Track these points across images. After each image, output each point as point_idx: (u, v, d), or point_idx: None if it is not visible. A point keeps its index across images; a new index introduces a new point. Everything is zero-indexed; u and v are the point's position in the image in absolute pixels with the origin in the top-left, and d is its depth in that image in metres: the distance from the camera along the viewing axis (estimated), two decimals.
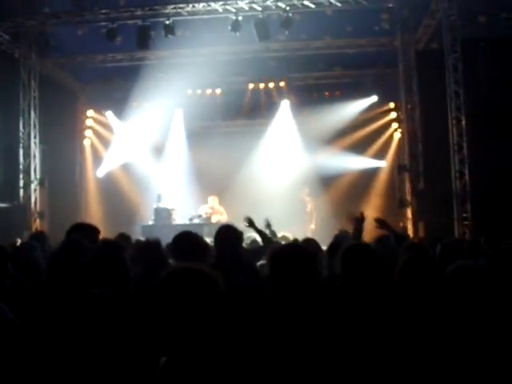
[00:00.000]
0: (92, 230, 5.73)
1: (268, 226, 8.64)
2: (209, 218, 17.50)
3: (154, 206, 17.76)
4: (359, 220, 7.58)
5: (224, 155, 18.51)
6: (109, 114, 20.19)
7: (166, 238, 10.17)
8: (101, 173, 20.14)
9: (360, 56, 17.31)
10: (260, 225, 7.90)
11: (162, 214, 17.52)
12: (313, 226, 17.79)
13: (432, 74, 16.46)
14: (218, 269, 2.53)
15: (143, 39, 15.34)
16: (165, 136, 19.92)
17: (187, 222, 17.45)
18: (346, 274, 4.01)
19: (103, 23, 15.19)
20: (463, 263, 3.93)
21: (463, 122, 15.38)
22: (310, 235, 10.42)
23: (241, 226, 6.92)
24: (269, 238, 7.43)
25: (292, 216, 16.44)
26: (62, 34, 16.15)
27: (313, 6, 14.89)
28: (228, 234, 5.91)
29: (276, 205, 16.56)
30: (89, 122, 20.74)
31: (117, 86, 19.28)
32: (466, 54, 15.34)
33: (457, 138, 15.60)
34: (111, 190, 19.47)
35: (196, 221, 17.42)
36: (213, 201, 17.89)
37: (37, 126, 16.89)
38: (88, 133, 20.76)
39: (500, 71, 14.89)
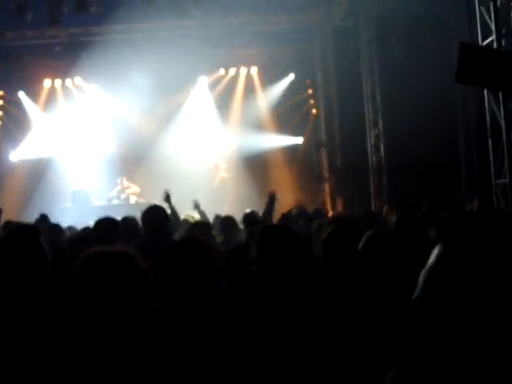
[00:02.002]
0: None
1: (197, 206, 8.74)
2: (127, 199, 17.35)
3: (72, 188, 17.46)
4: (271, 198, 7.86)
5: (139, 132, 18.26)
6: (21, 94, 19.57)
7: (86, 220, 10.05)
8: (15, 157, 19.49)
9: (276, 32, 17.31)
10: (178, 202, 7.91)
11: (80, 196, 17.25)
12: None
13: (347, 50, 16.68)
14: (148, 249, 2.51)
15: (55, 15, 14.93)
16: (79, 114, 19.45)
17: (106, 204, 17.26)
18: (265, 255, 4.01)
19: None
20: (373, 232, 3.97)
21: (378, 99, 15.69)
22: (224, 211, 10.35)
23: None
24: (176, 218, 7.50)
25: (207, 193, 16.42)
26: None
27: None
28: (157, 214, 5.95)
29: (192, 182, 16.47)
30: (1, 103, 20.03)
31: (27, 64, 18.66)
32: (379, 31, 15.61)
33: (372, 114, 15.93)
34: (26, 174, 18.86)
35: (115, 202, 17.26)
36: (120, 182, 17.74)
37: None
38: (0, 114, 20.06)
39: (413, 48, 15.20)
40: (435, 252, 1.66)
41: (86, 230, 6.68)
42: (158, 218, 5.86)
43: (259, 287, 3.71)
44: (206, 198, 14.14)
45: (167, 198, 7.55)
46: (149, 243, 5.35)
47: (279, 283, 3.67)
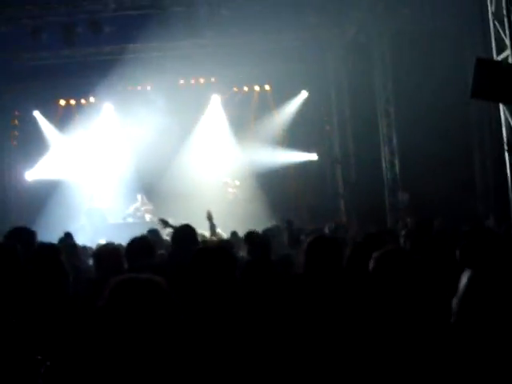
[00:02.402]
0: (30, 234, 5.62)
1: (209, 218, 8.77)
2: (142, 217, 17.38)
3: (86, 206, 17.53)
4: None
5: (155, 151, 18.32)
6: (36, 113, 19.72)
7: (100, 238, 10.11)
8: (30, 176, 19.59)
9: (289, 50, 17.36)
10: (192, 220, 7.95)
11: (95, 214, 17.32)
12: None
13: (360, 65, 16.68)
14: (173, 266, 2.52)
15: (69, 36, 15.04)
16: (94, 133, 19.55)
17: (121, 221, 17.32)
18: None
19: (27, 20, 14.79)
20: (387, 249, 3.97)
21: (392, 114, 15.66)
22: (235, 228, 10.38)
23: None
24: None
25: (218, 210, 16.42)
26: None
27: (241, 0, 14.91)
28: (187, 232, 6.03)
29: (204, 200, 16.48)
30: (16, 123, 20.16)
31: (44, 84, 18.80)
32: (392, 47, 15.60)
33: (386, 129, 15.89)
34: (42, 193, 18.91)
35: (130, 220, 17.31)
36: (140, 198, 17.79)
37: None
38: (16, 133, 20.18)
39: (427, 63, 15.18)
40: (465, 278, 1.68)
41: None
42: (187, 236, 5.91)
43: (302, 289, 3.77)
44: (216, 214, 14.21)
45: (209, 217, 7.71)
46: (175, 260, 5.43)
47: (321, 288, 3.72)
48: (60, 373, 2.44)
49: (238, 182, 18.47)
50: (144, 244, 5.73)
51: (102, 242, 11.08)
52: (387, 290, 3.60)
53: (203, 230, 9.54)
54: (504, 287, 1.61)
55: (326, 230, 11.11)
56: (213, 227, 8.77)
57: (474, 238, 4.96)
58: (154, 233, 7.98)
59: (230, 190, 18.27)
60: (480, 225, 10.08)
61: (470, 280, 1.67)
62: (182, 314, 2.30)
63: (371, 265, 3.74)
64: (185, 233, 5.97)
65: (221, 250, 3.44)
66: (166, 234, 9.36)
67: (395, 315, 3.43)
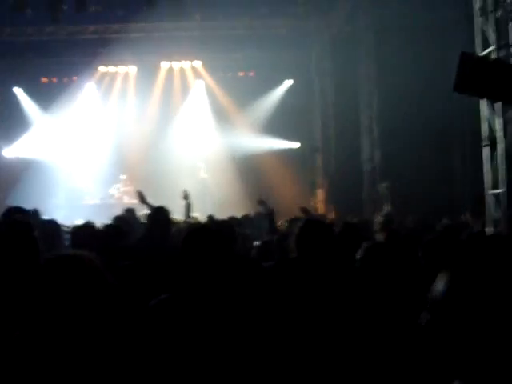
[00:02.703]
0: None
1: (185, 197, 8.81)
2: (120, 198, 17.31)
3: (65, 184, 17.48)
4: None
5: (137, 134, 18.27)
6: (17, 89, 19.52)
7: (77, 217, 10.06)
8: (8, 153, 19.42)
9: (275, 38, 17.36)
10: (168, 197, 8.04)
11: (73, 193, 17.29)
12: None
13: (345, 56, 16.72)
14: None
15: (54, 12, 14.91)
16: (76, 113, 19.42)
17: (98, 202, 17.27)
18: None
19: None
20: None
21: (374, 105, 15.73)
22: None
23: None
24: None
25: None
26: None
27: None
28: (162, 214, 5.98)
29: (181, 183, 16.49)
30: None
31: (26, 61, 18.61)
32: (377, 39, 15.64)
33: (368, 121, 15.95)
34: (19, 171, 18.75)
35: (108, 200, 17.25)
36: (123, 179, 17.74)
37: None
38: None
39: (411, 56, 15.25)
40: (441, 279, 1.75)
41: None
42: (162, 219, 5.88)
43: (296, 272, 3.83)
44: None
45: (186, 197, 7.73)
46: (150, 243, 5.42)
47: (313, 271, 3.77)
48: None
49: (203, 165, 18.36)
50: (118, 225, 5.73)
51: (79, 221, 11.05)
52: (375, 279, 3.67)
53: (176, 215, 9.56)
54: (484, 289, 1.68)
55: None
56: (188, 207, 8.79)
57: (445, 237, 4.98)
58: (130, 212, 7.94)
59: (202, 174, 18.22)
60: (455, 220, 10.18)
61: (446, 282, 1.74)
62: (113, 292, 2.33)
63: (360, 254, 3.82)
64: (160, 215, 5.94)
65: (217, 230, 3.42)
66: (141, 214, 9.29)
67: (383, 303, 3.50)
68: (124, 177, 17.79)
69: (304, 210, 9.12)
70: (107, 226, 6.07)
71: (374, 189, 15.76)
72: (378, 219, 9.83)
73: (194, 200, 15.24)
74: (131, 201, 16.48)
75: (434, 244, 4.60)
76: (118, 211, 8.15)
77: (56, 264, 2.30)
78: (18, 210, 5.63)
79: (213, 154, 18.85)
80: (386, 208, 11.21)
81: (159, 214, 5.95)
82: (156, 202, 7.62)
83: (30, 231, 4.06)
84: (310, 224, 4.15)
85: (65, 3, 14.96)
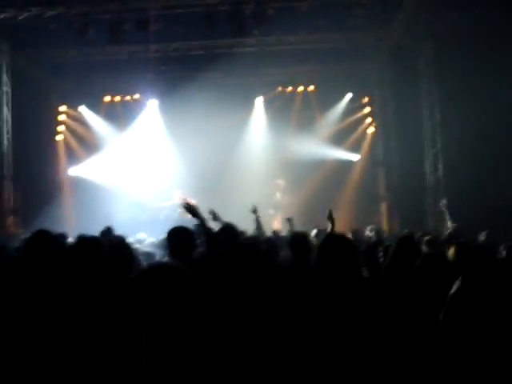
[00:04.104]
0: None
1: (254, 211, 8.87)
2: (183, 214, 17.41)
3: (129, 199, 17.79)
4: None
5: (202, 150, 18.43)
6: (82, 108, 20.01)
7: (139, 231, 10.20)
8: (73, 171, 19.89)
9: (333, 51, 17.31)
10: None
11: (137, 207, 17.59)
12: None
13: (405, 68, 16.55)
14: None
15: (115, 34, 15.23)
16: (139, 130, 19.75)
17: (162, 218, 17.43)
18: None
19: (76, 17, 15.01)
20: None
21: (437, 117, 15.49)
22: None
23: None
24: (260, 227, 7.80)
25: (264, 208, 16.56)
26: (33, 28, 15.87)
27: (287, 1, 14.94)
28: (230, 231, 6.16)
29: (247, 196, 16.57)
30: (62, 118, 20.47)
31: (90, 81, 19.07)
32: (438, 50, 15.42)
33: (431, 133, 15.71)
34: (83, 188, 19.18)
35: (172, 215, 17.41)
36: (178, 195, 17.83)
37: (9, 122, 16.61)
38: (61, 128, 20.49)
39: (474, 66, 14.98)
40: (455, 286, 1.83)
41: None
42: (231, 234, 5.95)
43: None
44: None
45: (215, 217, 7.69)
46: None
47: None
48: (88, 363, 2.49)
49: (281, 183, 18.41)
50: (186, 237, 5.75)
51: (142, 235, 11.22)
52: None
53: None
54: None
55: (368, 233, 11.06)
56: (258, 221, 8.85)
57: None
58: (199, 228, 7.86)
59: (278, 194, 18.23)
60: None
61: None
62: (206, 303, 2.35)
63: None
64: (227, 231, 6.00)
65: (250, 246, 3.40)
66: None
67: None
68: (177, 192, 17.86)
69: (354, 232, 9.36)
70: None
71: (438, 203, 15.49)
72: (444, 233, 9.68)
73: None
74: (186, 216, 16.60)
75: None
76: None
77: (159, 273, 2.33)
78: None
79: (276, 165, 18.87)
80: (449, 224, 10.96)
81: (226, 230, 6.02)
82: (227, 218, 7.71)
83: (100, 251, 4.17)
84: (331, 239, 4.13)
85: (126, 23, 15.26)
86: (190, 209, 7.10)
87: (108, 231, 8.80)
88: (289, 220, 9.98)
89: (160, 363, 2.21)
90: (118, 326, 2.36)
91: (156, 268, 2.38)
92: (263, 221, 9.23)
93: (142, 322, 2.22)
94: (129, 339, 2.25)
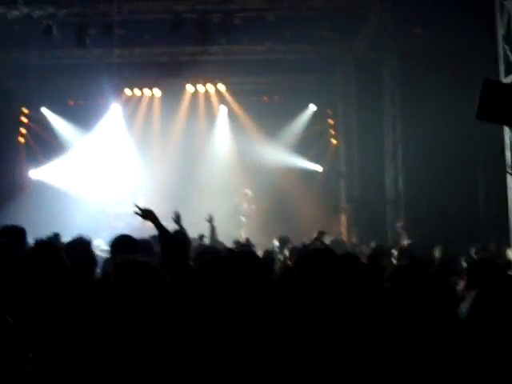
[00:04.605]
0: (19, 232, 5.61)
1: (210, 220, 8.89)
2: (144, 221, 17.30)
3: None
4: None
5: (166, 156, 18.37)
6: (44, 110, 19.78)
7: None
8: (34, 174, 19.64)
9: (299, 62, 17.41)
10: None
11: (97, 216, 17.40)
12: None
13: (369, 82, 16.73)
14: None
15: (81, 37, 15.12)
16: (102, 134, 19.59)
17: (122, 224, 17.32)
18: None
19: (40, 19, 14.85)
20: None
21: (398, 130, 15.66)
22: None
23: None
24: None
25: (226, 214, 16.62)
26: None
27: (254, 11, 14.98)
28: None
29: (212, 204, 16.55)
30: (23, 120, 20.21)
31: (53, 83, 18.86)
32: (402, 64, 15.62)
33: (392, 146, 15.88)
34: (44, 192, 18.94)
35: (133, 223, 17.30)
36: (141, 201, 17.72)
37: None
38: (23, 131, 20.23)
39: (436, 81, 15.20)
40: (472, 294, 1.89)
41: None
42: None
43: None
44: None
45: (177, 220, 7.64)
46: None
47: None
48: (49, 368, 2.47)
49: (250, 193, 18.39)
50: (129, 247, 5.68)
51: (98, 242, 11.09)
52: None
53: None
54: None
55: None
56: (213, 230, 8.87)
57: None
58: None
59: (245, 205, 18.19)
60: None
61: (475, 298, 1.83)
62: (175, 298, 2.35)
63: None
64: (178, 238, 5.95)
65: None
66: None
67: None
68: (142, 198, 17.76)
69: (320, 234, 9.26)
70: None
71: (398, 214, 15.65)
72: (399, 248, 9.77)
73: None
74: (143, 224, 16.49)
75: (475, 269, 4.64)
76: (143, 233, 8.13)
77: (128, 269, 2.33)
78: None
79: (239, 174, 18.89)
80: (407, 241, 11.09)
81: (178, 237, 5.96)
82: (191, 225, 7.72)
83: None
84: (311, 253, 4.10)
85: (92, 27, 15.16)
86: (148, 216, 7.02)
87: (55, 238, 8.67)
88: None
89: (129, 360, 2.21)
90: (86, 325, 2.36)
91: (126, 263, 2.38)
92: (236, 227, 9.32)
93: (112, 319, 2.21)
94: (97, 337, 2.24)
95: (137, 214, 5.84)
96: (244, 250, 6.38)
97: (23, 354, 2.64)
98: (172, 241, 5.65)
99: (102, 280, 2.32)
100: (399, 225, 12.50)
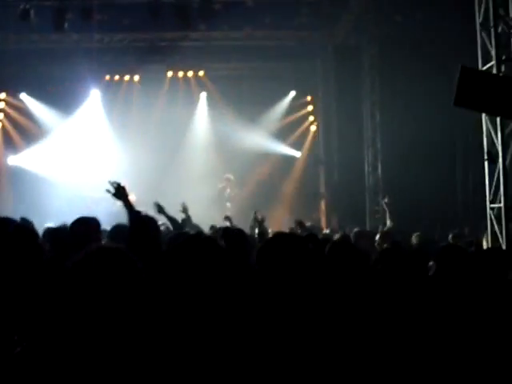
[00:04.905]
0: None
1: (184, 210, 8.79)
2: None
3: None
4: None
5: (146, 143, 18.28)
6: (23, 96, 19.57)
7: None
8: (12, 161, 19.47)
9: (279, 48, 17.39)
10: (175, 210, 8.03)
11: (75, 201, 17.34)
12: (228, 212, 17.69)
13: (349, 68, 16.78)
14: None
15: (59, 21, 14.98)
16: (81, 120, 19.44)
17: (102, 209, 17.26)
18: None
19: (17, 2, 14.69)
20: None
21: (378, 117, 15.74)
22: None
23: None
24: (179, 224, 7.51)
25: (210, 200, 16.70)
26: None
27: None
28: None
29: (194, 190, 16.55)
30: (1, 105, 19.99)
31: (31, 68, 18.67)
32: (381, 51, 15.68)
33: (371, 133, 15.97)
34: (23, 178, 18.80)
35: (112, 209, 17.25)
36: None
37: None
38: (0, 116, 20.02)
39: (414, 69, 15.28)
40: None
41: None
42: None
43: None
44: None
45: (160, 210, 7.60)
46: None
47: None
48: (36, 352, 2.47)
49: (232, 177, 18.36)
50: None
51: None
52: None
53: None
54: None
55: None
56: (188, 219, 8.79)
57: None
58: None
59: (229, 189, 18.17)
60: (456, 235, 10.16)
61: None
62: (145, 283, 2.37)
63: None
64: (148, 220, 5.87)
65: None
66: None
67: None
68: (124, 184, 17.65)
69: (299, 224, 9.43)
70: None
71: (376, 201, 15.75)
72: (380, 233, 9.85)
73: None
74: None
75: (448, 254, 4.76)
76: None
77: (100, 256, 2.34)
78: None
79: (220, 160, 18.88)
80: (388, 223, 11.21)
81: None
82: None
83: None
84: (276, 238, 4.10)
85: (70, 12, 15.02)
86: (159, 205, 7.03)
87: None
88: (228, 218, 10.12)
89: (103, 348, 2.22)
90: (59, 312, 2.36)
91: (98, 250, 2.39)
92: (220, 213, 9.29)
93: (85, 305, 2.23)
94: (70, 324, 2.25)
95: (108, 191, 5.72)
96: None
97: (9, 337, 2.66)
98: (140, 220, 5.54)
99: (72, 268, 2.32)
100: (385, 200, 12.60)
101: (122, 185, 5.78)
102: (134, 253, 2.48)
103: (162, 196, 10.71)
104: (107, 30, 16.47)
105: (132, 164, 18.00)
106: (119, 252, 2.37)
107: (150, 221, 5.65)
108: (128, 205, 5.56)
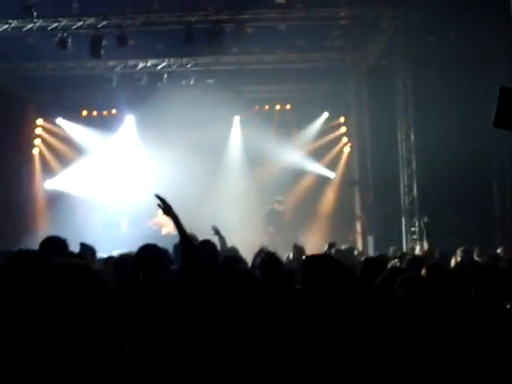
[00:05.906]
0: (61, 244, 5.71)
1: (217, 233, 8.85)
2: (159, 230, 17.38)
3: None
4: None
5: (182, 166, 18.37)
6: (59, 120, 19.85)
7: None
8: (49, 185, 19.71)
9: (311, 70, 17.46)
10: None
11: (113, 225, 17.49)
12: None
13: (382, 89, 16.72)
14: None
15: (95, 48, 15.18)
16: (116, 145, 19.64)
17: (137, 233, 17.32)
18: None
19: (55, 31, 14.96)
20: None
21: (412, 138, 15.63)
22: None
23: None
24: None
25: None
26: (10, 41, 15.74)
27: (266, 19, 15.05)
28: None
29: (231, 212, 16.65)
30: (38, 131, 20.27)
31: (67, 95, 18.96)
32: (415, 71, 15.61)
33: (406, 153, 15.84)
34: (60, 202, 19.00)
35: (147, 232, 17.31)
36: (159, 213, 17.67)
37: None
38: (37, 142, 20.29)
39: (449, 88, 15.21)
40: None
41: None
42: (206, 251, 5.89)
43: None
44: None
45: (217, 232, 7.88)
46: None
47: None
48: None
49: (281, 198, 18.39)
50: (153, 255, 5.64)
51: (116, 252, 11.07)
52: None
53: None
54: None
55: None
56: (223, 241, 8.82)
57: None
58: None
59: (277, 207, 18.18)
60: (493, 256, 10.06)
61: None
62: (112, 303, 2.38)
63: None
64: (206, 248, 5.95)
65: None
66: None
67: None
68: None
69: (329, 246, 9.65)
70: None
71: (413, 222, 15.60)
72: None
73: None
74: (169, 231, 16.56)
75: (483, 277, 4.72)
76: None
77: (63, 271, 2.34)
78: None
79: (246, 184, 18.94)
80: (425, 244, 11.08)
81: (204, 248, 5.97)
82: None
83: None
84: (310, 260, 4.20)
85: (106, 38, 15.23)
86: (216, 229, 7.20)
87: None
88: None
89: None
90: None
91: (61, 266, 2.40)
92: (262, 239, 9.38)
93: (47, 318, 2.25)
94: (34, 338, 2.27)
95: (159, 206, 5.68)
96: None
97: None
98: (191, 245, 5.54)
99: (35, 280, 2.34)
100: (425, 220, 12.47)
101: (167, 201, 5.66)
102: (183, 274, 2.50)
103: (198, 218, 10.79)
104: (141, 55, 16.70)
105: (171, 188, 18.05)
106: (81, 269, 2.38)
107: (204, 243, 5.79)
108: (176, 222, 5.49)
